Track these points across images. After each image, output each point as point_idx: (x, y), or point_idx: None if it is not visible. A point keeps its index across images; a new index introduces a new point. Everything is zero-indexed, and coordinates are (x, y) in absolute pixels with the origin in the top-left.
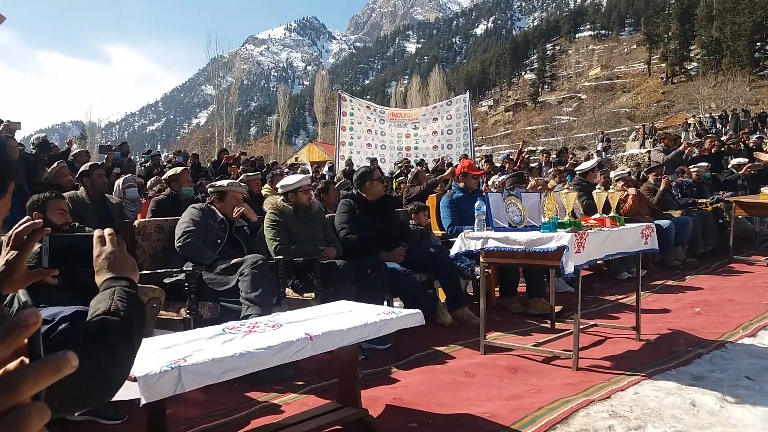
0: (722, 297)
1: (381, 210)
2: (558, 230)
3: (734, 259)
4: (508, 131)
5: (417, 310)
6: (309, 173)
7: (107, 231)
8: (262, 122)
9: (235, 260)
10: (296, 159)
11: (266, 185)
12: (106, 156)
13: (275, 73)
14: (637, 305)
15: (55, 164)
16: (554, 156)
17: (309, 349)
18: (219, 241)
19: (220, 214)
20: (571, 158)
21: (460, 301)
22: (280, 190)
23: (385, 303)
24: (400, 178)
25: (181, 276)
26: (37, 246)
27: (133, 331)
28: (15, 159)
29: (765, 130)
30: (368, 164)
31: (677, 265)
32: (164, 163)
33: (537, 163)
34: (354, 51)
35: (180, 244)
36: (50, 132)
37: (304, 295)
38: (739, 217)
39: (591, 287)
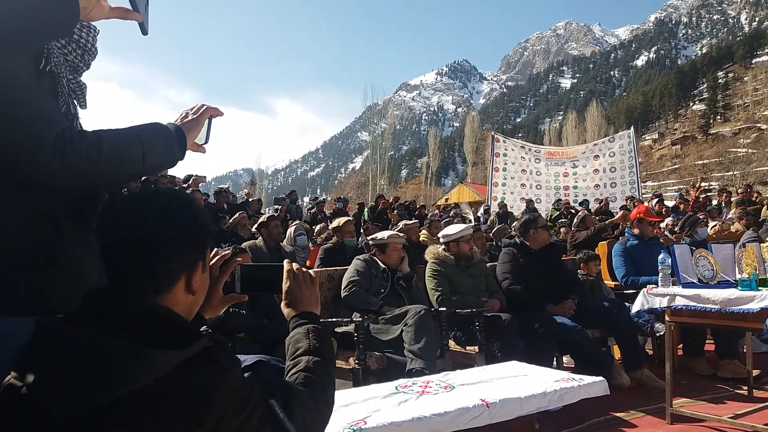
0: None
1: (546, 259)
2: (761, 289)
3: None
4: (676, 166)
5: (601, 379)
6: (471, 221)
7: (295, 265)
8: (413, 165)
9: (398, 310)
10: (446, 200)
11: (423, 231)
12: (279, 207)
13: (426, 117)
14: None
15: (237, 215)
16: (736, 196)
17: (486, 417)
18: (382, 290)
19: (382, 264)
20: (756, 197)
21: (640, 361)
22: (441, 240)
23: (555, 360)
24: (560, 221)
25: (350, 326)
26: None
27: (332, 368)
28: (212, 226)
29: None
30: (523, 205)
31: None
32: (328, 211)
33: (716, 202)
34: (505, 90)
35: (346, 293)
36: (224, 179)
37: (467, 348)
38: None
39: None
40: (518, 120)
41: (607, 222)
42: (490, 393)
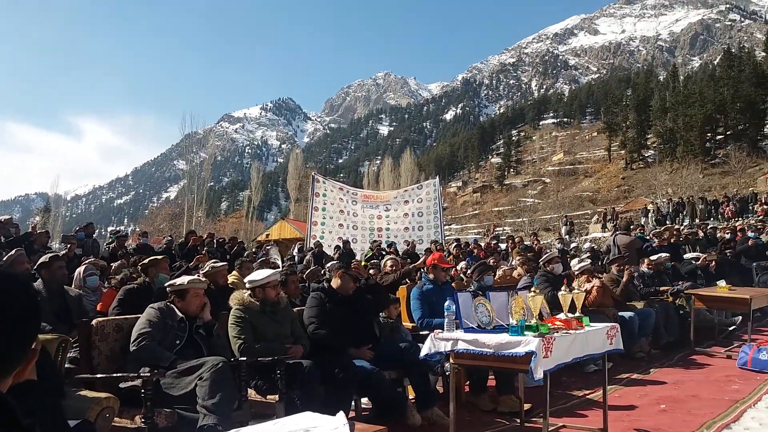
0: (686, 392)
1: (353, 303)
2: (525, 333)
3: (696, 350)
4: (476, 212)
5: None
6: (279, 267)
7: None
8: (234, 197)
9: (192, 362)
10: (267, 236)
11: (234, 272)
12: (68, 246)
13: (249, 150)
14: (604, 404)
15: (14, 252)
16: (521, 243)
17: None
18: (178, 341)
19: (179, 313)
20: (535, 243)
21: (430, 401)
22: (247, 285)
23: (353, 404)
24: (372, 261)
25: (138, 382)
26: None
27: None
28: None
29: (719, 217)
30: (339, 244)
31: (642, 357)
32: (130, 247)
33: (505, 247)
34: (328, 131)
35: (135, 347)
36: (12, 204)
37: (268, 397)
38: (699, 308)
39: (559, 380)
40: (340, 161)
41: (411, 267)
42: None
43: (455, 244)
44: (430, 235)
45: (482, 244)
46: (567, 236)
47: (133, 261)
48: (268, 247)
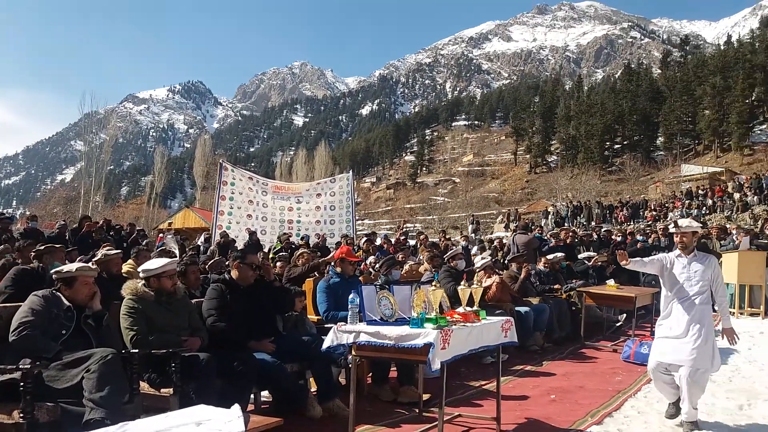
0: (574, 383)
1: (254, 295)
2: (425, 326)
3: (585, 344)
4: (389, 207)
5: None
6: (175, 256)
7: None
8: (136, 183)
9: (79, 353)
10: (169, 224)
11: (129, 261)
12: None
13: (154, 134)
14: (497, 394)
15: None
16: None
17: None
18: (64, 331)
19: (66, 302)
20: (443, 241)
21: (332, 393)
22: (141, 275)
23: (253, 396)
24: (280, 254)
25: (17, 374)
26: None
27: None
28: None
29: (612, 221)
30: (247, 235)
31: (536, 350)
32: (17, 231)
33: (415, 243)
34: (240, 118)
35: (15, 337)
36: None
37: (162, 390)
38: (589, 305)
39: (457, 371)
40: (252, 149)
41: (321, 261)
42: None
43: (367, 239)
44: (342, 229)
45: (392, 240)
46: (473, 234)
47: (18, 246)
48: (167, 236)
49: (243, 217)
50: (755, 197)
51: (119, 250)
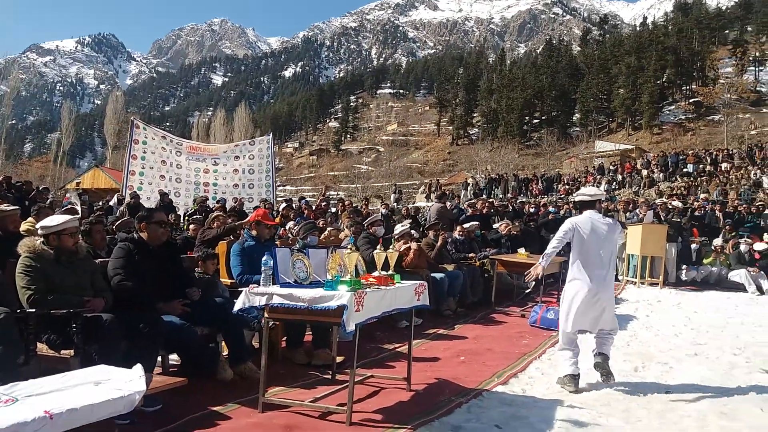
0: (483, 346)
1: (164, 256)
2: (339, 288)
3: (496, 309)
4: (312, 174)
5: (140, 375)
6: (78, 213)
7: None
8: (41, 140)
9: None
10: (77, 184)
11: (30, 219)
12: None
13: (61, 88)
14: (408, 356)
15: None
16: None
17: (48, 429)
18: None
19: None
20: (365, 208)
21: (244, 356)
22: (40, 232)
23: (160, 359)
24: (194, 216)
25: None
26: None
27: None
28: None
29: (527, 193)
30: (158, 197)
31: (449, 315)
32: None
33: (335, 210)
34: (155, 75)
35: None
36: None
37: (62, 352)
38: (501, 272)
39: (373, 335)
40: (167, 108)
41: (237, 224)
42: (58, 403)
43: (287, 204)
44: (261, 194)
45: (312, 206)
46: (395, 204)
47: None
48: (72, 195)
49: (155, 177)
50: (661, 174)
51: (17, 206)
